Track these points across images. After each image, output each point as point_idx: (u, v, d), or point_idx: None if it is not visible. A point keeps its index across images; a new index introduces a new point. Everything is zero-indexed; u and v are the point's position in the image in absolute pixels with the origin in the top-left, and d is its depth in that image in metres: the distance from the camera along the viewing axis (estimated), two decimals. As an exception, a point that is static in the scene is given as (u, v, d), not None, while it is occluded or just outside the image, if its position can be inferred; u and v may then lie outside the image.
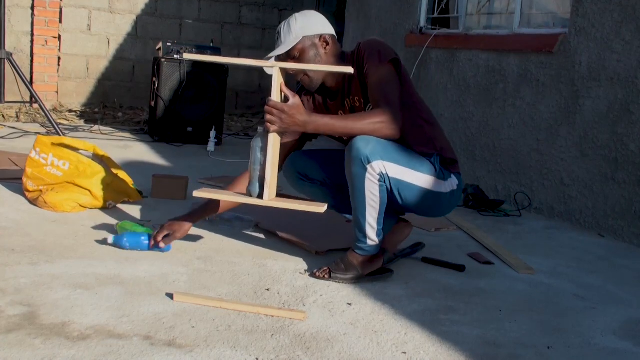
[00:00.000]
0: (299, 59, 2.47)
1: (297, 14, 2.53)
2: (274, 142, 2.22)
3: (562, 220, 3.86)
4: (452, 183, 2.56)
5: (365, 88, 2.46)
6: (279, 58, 2.47)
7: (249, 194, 2.25)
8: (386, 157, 2.34)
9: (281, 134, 2.29)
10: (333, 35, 2.54)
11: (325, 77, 2.52)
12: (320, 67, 2.37)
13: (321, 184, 2.71)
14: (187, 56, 2.31)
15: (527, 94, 4.12)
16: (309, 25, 2.48)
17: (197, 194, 2.28)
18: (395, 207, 2.54)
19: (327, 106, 2.63)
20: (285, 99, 2.23)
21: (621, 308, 2.49)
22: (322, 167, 2.70)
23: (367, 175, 2.34)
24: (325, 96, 2.63)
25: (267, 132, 2.20)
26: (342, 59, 2.55)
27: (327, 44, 2.50)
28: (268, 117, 2.19)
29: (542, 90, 4.01)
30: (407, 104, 2.51)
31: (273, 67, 2.19)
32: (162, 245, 2.55)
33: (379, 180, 2.36)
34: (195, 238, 2.86)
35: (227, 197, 2.29)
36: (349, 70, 2.20)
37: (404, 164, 2.41)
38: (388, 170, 2.36)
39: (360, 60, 2.45)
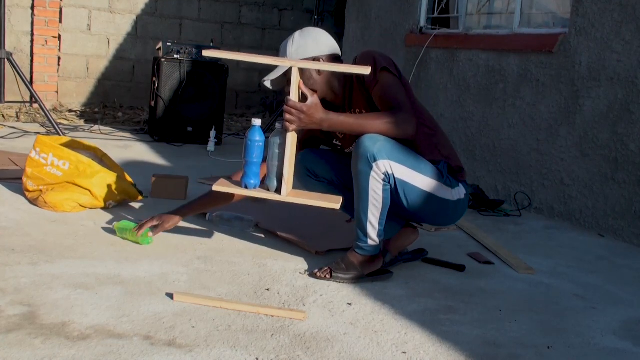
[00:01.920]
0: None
1: (297, 33, 2.52)
2: (292, 140, 2.25)
3: (562, 220, 3.86)
4: (459, 192, 2.55)
5: (368, 97, 2.47)
6: (277, 79, 2.48)
7: (266, 188, 2.28)
8: (393, 157, 2.35)
9: (299, 131, 2.31)
10: (330, 55, 2.51)
11: (324, 94, 2.52)
12: (336, 67, 2.33)
13: (328, 183, 2.72)
14: (206, 53, 2.29)
15: (527, 94, 4.12)
16: (303, 49, 2.47)
17: (216, 188, 2.29)
18: (402, 213, 2.54)
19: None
20: (303, 98, 2.24)
21: (621, 308, 2.49)
22: (331, 167, 2.70)
23: (372, 173, 2.34)
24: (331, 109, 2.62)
25: (285, 130, 2.22)
26: (343, 76, 2.53)
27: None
28: (287, 116, 2.21)
29: (542, 90, 4.02)
30: None
31: (291, 67, 2.20)
32: (150, 234, 2.66)
33: (384, 180, 2.36)
34: (195, 238, 2.87)
35: (245, 192, 2.29)
36: (366, 70, 2.19)
37: (411, 166, 2.41)
38: (394, 171, 2.36)
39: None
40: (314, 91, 2.46)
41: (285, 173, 2.24)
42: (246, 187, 2.27)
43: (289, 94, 2.37)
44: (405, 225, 2.71)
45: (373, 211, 2.41)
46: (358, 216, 2.45)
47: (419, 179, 2.44)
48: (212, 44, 6.12)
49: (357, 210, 2.45)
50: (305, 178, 2.72)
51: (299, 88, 2.24)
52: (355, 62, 2.48)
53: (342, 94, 2.54)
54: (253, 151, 2.23)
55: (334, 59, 2.52)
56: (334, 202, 2.29)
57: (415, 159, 2.45)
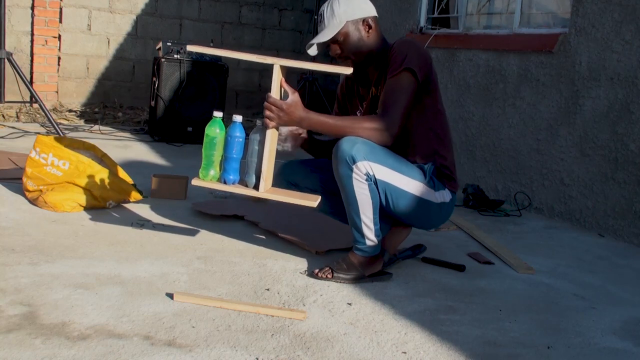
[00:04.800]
0: (342, 43, 2.50)
1: None
2: (272, 137, 2.26)
3: (562, 220, 3.86)
4: (443, 195, 2.54)
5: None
6: (323, 42, 2.50)
7: (244, 184, 2.28)
8: (372, 158, 2.34)
9: (277, 128, 2.33)
10: (375, 17, 2.54)
11: (364, 60, 2.53)
12: (322, 66, 2.35)
13: (312, 192, 2.69)
14: (191, 48, 2.32)
15: (527, 93, 4.12)
16: (352, 9, 2.49)
17: (195, 182, 2.29)
18: (386, 213, 2.53)
19: (360, 93, 2.66)
20: (285, 95, 2.25)
21: (621, 308, 2.49)
22: (314, 174, 2.68)
23: (354, 175, 2.34)
24: (360, 83, 2.65)
25: (265, 127, 2.22)
26: (384, 44, 2.56)
27: (370, 27, 2.51)
28: (267, 113, 2.23)
29: (542, 90, 4.01)
30: (422, 114, 2.50)
31: (274, 64, 2.21)
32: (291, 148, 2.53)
33: (367, 180, 2.35)
34: (195, 238, 2.87)
35: (223, 188, 2.29)
36: (348, 70, 2.22)
37: (391, 167, 2.40)
38: (375, 172, 2.35)
39: (389, 58, 2.46)
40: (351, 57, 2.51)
41: (264, 169, 2.24)
42: (225, 183, 2.28)
43: (336, 53, 2.47)
44: (395, 224, 2.70)
45: (365, 212, 2.40)
46: (351, 219, 2.44)
47: (401, 180, 2.42)
48: (212, 44, 6.12)
49: (348, 213, 2.44)
50: (289, 189, 2.70)
51: (281, 85, 2.24)
52: (392, 48, 2.48)
53: (380, 68, 2.54)
54: (233, 147, 2.23)
55: (377, 20, 2.55)
56: (312, 201, 2.30)
57: (396, 159, 2.44)
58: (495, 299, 2.46)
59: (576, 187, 3.79)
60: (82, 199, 3.07)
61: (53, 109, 6.54)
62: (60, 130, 5.05)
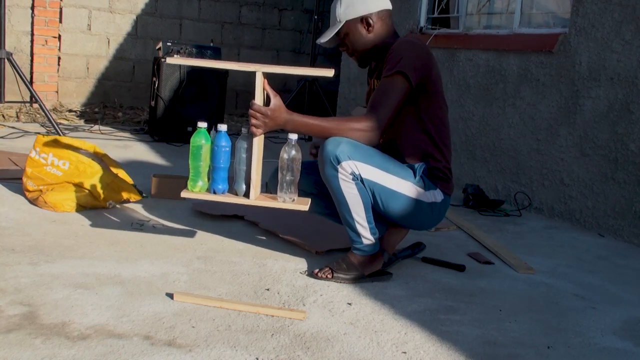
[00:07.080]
0: (346, 42, 2.55)
1: None
2: (259, 143, 2.26)
3: (562, 220, 3.86)
4: (434, 195, 2.50)
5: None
6: (332, 39, 2.55)
7: (234, 193, 2.28)
8: (357, 157, 2.32)
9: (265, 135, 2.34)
10: (380, 12, 2.53)
11: (368, 56, 2.58)
12: (304, 70, 2.31)
13: (307, 194, 2.67)
14: (170, 60, 2.36)
15: (527, 93, 4.12)
16: (351, 9, 2.50)
17: (184, 194, 2.28)
18: (378, 214, 2.52)
19: (368, 81, 2.70)
20: (267, 98, 2.25)
21: (621, 308, 2.49)
22: (309, 176, 2.65)
23: (340, 175, 2.33)
24: (372, 75, 2.69)
25: (252, 135, 2.23)
26: (391, 39, 2.56)
27: (370, 25, 2.51)
28: (253, 121, 2.23)
29: (542, 90, 4.02)
30: (417, 116, 2.49)
31: (256, 71, 2.20)
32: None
33: (353, 179, 2.34)
34: (195, 238, 2.87)
35: (214, 198, 2.28)
36: (329, 72, 2.20)
37: (378, 166, 2.38)
38: (361, 171, 2.34)
39: (387, 57, 2.46)
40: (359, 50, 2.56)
41: (253, 177, 2.24)
42: (215, 193, 2.27)
43: (343, 49, 2.52)
44: (392, 224, 2.68)
45: (356, 210, 2.39)
46: (345, 219, 2.44)
47: (388, 179, 2.40)
48: (212, 44, 6.12)
49: (341, 214, 2.43)
50: None
51: (264, 89, 2.24)
52: (391, 47, 2.47)
53: (376, 63, 2.58)
54: (220, 156, 2.22)
55: (383, 13, 2.54)
56: (303, 204, 2.29)
57: (383, 158, 2.42)
58: (495, 299, 2.46)
59: (576, 187, 3.79)
60: (82, 199, 3.07)
61: (53, 109, 6.54)
62: (60, 130, 5.05)
